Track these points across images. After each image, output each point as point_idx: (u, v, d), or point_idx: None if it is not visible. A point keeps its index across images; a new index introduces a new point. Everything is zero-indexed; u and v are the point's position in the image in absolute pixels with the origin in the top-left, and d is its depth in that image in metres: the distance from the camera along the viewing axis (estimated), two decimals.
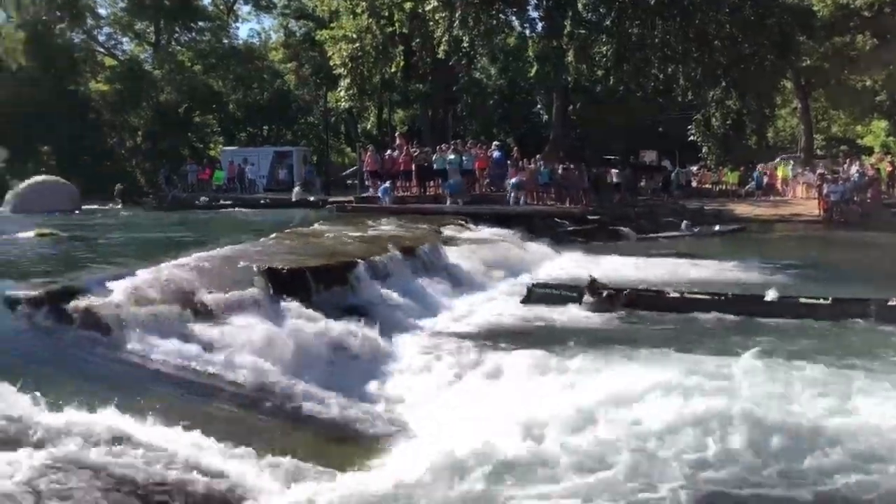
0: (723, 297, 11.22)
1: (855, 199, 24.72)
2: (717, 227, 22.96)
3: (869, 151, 29.16)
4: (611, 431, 5.58)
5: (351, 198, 27.32)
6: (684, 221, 23.09)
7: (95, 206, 30.46)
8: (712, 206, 26.51)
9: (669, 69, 31.64)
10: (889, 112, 35.45)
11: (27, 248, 13.70)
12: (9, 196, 29.00)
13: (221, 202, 29.85)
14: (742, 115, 34.24)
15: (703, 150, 37.63)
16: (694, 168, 37.35)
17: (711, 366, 7.07)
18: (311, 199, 29.67)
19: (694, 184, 33.62)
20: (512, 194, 23.69)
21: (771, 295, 11.00)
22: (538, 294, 12.04)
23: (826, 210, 24.60)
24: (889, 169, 25.25)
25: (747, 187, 31.55)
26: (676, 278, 14.27)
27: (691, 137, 37.49)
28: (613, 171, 29.73)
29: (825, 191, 24.99)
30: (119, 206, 31.82)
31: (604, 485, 4.92)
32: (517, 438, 5.40)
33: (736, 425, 5.54)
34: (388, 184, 24.77)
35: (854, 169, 26.35)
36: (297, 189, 31.71)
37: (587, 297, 11.48)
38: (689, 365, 7.06)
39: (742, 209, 26.20)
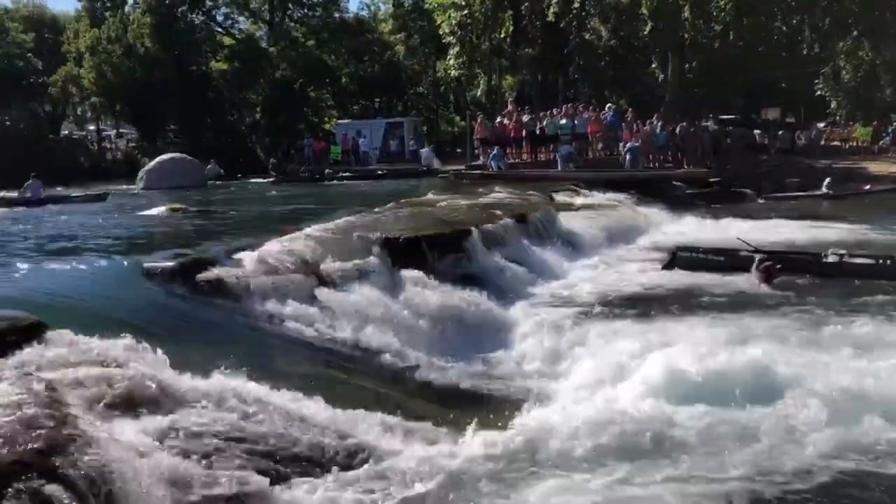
0: (889, 262, 10.25)
1: None
2: (867, 187, 21.32)
3: None
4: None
5: (462, 166, 27.36)
6: (827, 179, 21.69)
7: (254, 179, 31.74)
8: (843, 165, 25.03)
9: (794, 21, 29.91)
10: None
11: (160, 223, 14.47)
12: (141, 173, 30.57)
13: (341, 174, 30.44)
14: (875, 66, 31.98)
15: (832, 106, 35.50)
16: (821, 125, 35.31)
17: None
18: (438, 167, 29.93)
19: (822, 141, 31.79)
20: (628, 158, 23.04)
21: None
22: (684, 259, 11.14)
23: None
24: None
25: (881, 143, 29.59)
26: (803, 242, 13.63)
27: (819, 92, 35.39)
28: (756, 131, 28.47)
29: None
30: (272, 180, 32.50)
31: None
32: (643, 405, 5.28)
33: None
34: (497, 150, 24.52)
35: None
36: (426, 152, 32.27)
37: (755, 265, 10.19)
38: None
39: (876, 167, 24.58)
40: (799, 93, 38.35)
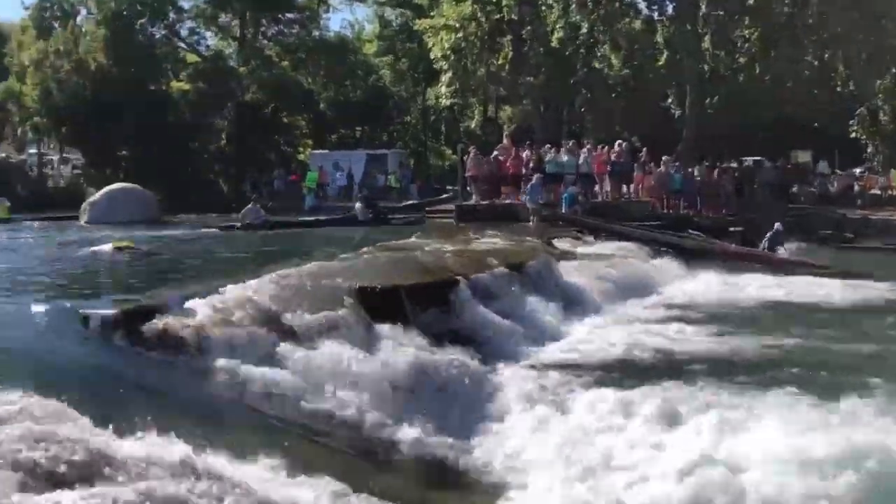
0: None
1: None
2: None
3: None
4: None
5: (451, 206, 27.46)
6: None
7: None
8: (880, 216, 25.34)
9: (826, 55, 30.53)
10: None
11: (103, 263, 14.42)
12: (85, 205, 30.34)
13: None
14: None
15: (868, 150, 36.02)
16: (857, 170, 35.79)
17: None
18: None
19: (857, 188, 32.20)
20: None
21: None
22: None
23: None
24: None
25: None
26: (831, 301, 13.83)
27: (853, 135, 35.92)
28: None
29: None
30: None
31: None
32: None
33: None
34: (536, 179, 23.38)
35: None
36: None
37: None
38: None
39: None
40: (832, 135, 38.89)
